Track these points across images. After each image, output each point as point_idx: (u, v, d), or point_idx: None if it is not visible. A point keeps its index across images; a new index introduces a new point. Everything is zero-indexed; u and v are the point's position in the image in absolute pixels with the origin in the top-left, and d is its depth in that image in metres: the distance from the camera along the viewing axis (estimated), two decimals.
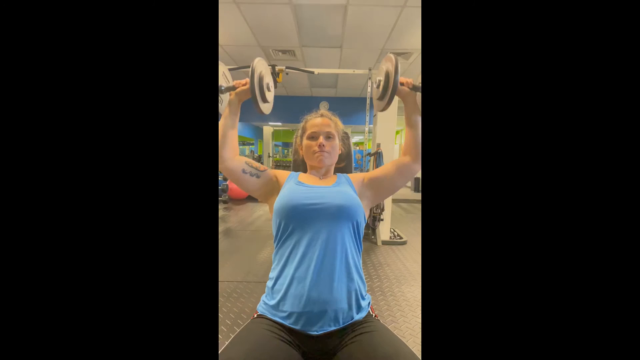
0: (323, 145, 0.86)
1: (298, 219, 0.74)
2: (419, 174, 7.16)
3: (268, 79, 0.84)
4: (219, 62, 0.80)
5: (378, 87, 0.79)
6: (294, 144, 1.02)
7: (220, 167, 0.82)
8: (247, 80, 0.79)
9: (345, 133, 1.01)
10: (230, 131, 0.82)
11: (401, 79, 0.75)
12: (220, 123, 0.82)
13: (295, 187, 0.81)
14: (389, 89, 0.72)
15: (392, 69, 0.71)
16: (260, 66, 0.79)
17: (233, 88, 0.82)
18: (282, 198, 0.78)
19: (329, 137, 0.88)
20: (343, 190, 0.80)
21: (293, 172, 0.91)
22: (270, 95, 0.86)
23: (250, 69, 0.76)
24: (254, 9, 2.53)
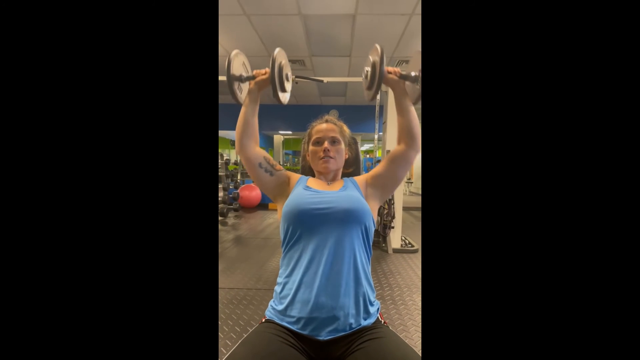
0: (328, 150, 0.86)
1: (306, 224, 0.75)
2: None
3: (287, 70, 0.86)
4: (240, 52, 0.83)
5: (366, 77, 0.81)
6: (302, 151, 1.03)
7: (239, 154, 0.85)
8: (267, 70, 0.82)
9: (353, 138, 1.01)
10: (251, 119, 0.84)
11: (388, 68, 0.78)
12: (242, 111, 0.84)
13: (303, 192, 0.81)
14: (376, 78, 0.76)
15: (377, 59, 0.75)
16: (281, 57, 0.82)
17: (253, 77, 0.84)
18: (290, 203, 0.78)
19: (334, 141, 0.88)
20: (351, 195, 0.80)
21: (303, 175, 0.92)
22: (288, 85, 0.88)
23: (271, 59, 0.78)
24: (264, 20, 2.59)
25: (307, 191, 0.82)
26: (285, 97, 0.88)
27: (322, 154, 0.86)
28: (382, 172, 0.86)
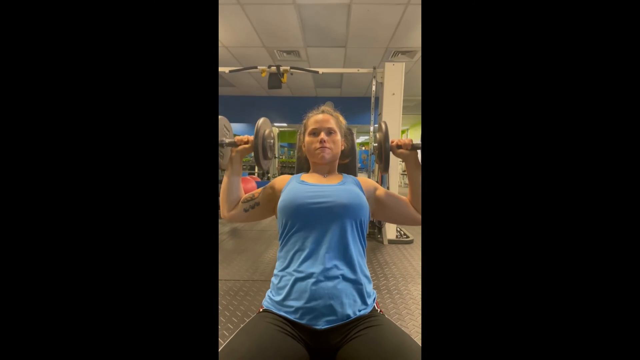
0: (324, 140, 0.86)
1: (302, 218, 0.75)
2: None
3: (270, 139, 0.88)
4: (220, 115, 0.83)
5: (374, 152, 0.88)
6: (297, 142, 1.02)
7: (224, 218, 0.89)
8: (248, 137, 0.84)
9: (349, 129, 1.01)
10: (235, 189, 0.87)
11: (398, 141, 0.82)
12: (225, 182, 0.87)
13: (299, 186, 0.81)
14: (383, 156, 0.81)
15: (382, 137, 0.80)
16: (265, 126, 0.84)
17: (234, 144, 0.85)
18: (285, 197, 0.78)
19: (330, 132, 0.88)
20: (349, 189, 0.80)
21: (294, 175, 0.92)
22: (271, 154, 0.91)
23: (255, 129, 0.81)
24: (258, 9, 2.54)
25: (303, 185, 0.82)
26: (268, 163, 0.91)
27: (318, 145, 0.86)
28: (390, 205, 0.87)
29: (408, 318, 1.54)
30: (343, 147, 0.95)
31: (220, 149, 0.84)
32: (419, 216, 0.84)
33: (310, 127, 0.89)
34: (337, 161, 0.94)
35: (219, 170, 0.84)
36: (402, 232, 3.16)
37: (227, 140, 0.85)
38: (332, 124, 0.89)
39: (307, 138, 0.90)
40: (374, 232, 3.10)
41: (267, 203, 0.88)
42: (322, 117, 0.89)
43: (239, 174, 0.89)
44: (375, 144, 0.86)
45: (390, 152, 0.82)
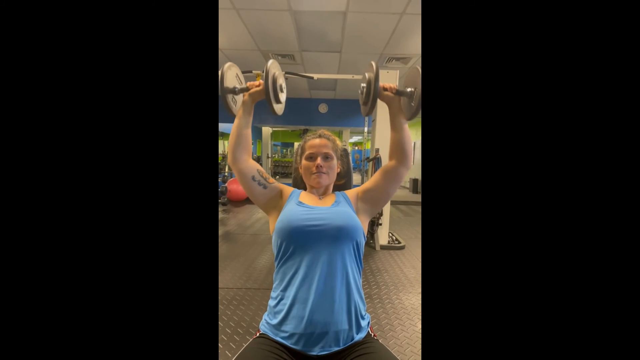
0: (321, 166, 0.88)
1: (299, 241, 0.76)
2: (417, 176, 7.17)
3: (281, 81, 0.87)
4: (233, 64, 0.83)
5: (362, 93, 0.84)
6: (293, 162, 1.03)
7: (232, 167, 0.85)
8: (260, 82, 0.82)
9: (345, 150, 1.02)
10: (244, 131, 0.85)
11: (384, 84, 0.81)
12: (235, 123, 0.84)
13: (296, 208, 0.82)
14: (371, 95, 0.78)
15: (373, 77, 0.77)
16: (274, 68, 0.82)
17: (247, 89, 0.84)
18: (282, 219, 0.79)
19: (326, 157, 0.89)
20: (342, 211, 0.82)
21: (295, 189, 0.93)
22: (282, 96, 0.89)
23: (264, 71, 0.79)
24: (254, 14, 2.53)
25: (300, 207, 0.83)
26: (280, 108, 0.89)
27: (314, 170, 0.88)
28: (373, 187, 0.87)
29: (399, 329, 1.57)
30: (339, 170, 0.96)
31: (233, 96, 0.84)
32: (402, 168, 0.83)
33: (307, 151, 0.90)
34: (334, 183, 0.95)
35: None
36: (394, 238, 3.20)
37: (239, 87, 0.85)
38: (329, 148, 0.90)
39: (303, 161, 0.91)
40: (367, 237, 3.12)
41: (270, 196, 0.88)
42: (319, 141, 0.90)
43: (250, 119, 0.86)
44: (363, 85, 0.82)
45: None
